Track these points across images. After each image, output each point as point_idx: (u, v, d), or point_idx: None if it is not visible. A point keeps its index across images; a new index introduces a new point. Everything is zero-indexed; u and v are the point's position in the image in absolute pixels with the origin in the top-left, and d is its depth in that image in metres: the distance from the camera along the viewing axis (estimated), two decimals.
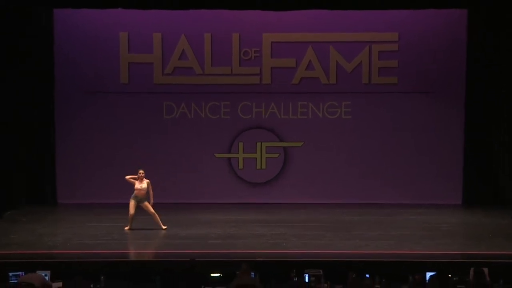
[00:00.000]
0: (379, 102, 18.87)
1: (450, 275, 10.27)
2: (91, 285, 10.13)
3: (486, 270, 10.22)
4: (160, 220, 14.93)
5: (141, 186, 14.82)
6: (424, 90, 18.76)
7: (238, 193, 18.92)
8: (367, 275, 10.52)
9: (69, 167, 18.83)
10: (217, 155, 19.04)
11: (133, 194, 14.88)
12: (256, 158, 19.08)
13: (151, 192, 14.86)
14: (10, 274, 10.46)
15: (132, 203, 14.83)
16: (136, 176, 15.01)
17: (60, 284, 10.32)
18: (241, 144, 19.04)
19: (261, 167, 19.08)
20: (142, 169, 15.10)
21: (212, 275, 10.82)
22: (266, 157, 19.06)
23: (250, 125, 19.04)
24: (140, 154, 18.79)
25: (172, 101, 18.92)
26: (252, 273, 10.40)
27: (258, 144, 19.02)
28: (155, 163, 18.85)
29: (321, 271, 10.69)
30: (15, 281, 10.19)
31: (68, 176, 18.84)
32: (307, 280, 10.49)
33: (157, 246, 13.09)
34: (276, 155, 19.07)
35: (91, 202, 18.43)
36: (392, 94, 18.80)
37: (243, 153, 19.07)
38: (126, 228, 14.78)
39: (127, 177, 15.03)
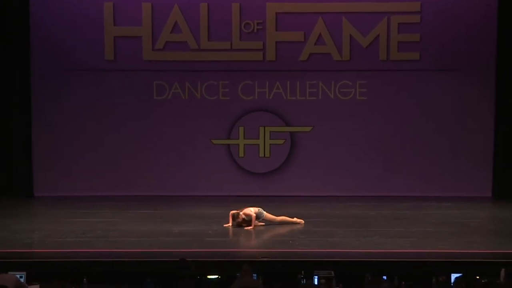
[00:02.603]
0: (398, 81, 18.86)
1: (478, 277, 10.28)
2: None
3: None
4: (149, 215, 14.93)
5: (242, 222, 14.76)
6: (449, 67, 18.73)
7: (239, 184, 18.93)
8: (385, 277, 10.54)
9: (47, 155, 18.84)
10: (214, 141, 19.05)
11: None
12: (258, 144, 19.09)
13: (253, 216, 14.68)
14: None
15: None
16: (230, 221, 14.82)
17: (37, 286, 10.33)
18: (241, 129, 19.04)
19: (264, 155, 19.09)
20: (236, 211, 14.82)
21: (209, 277, 10.84)
22: (270, 144, 19.06)
23: (252, 107, 19.03)
24: (128, 140, 18.84)
25: (163, 80, 18.91)
26: (255, 274, 10.42)
27: (261, 129, 19.03)
28: (144, 150, 18.88)
29: (332, 272, 10.70)
30: None
31: (46, 165, 18.85)
32: (316, 283, 10.50)
33: (147, 245, 13.11)
34: (282, 142, 19.08)
35: (72, 194, 18.46)
36: (414, 72, 18.78)
37: (244, 139, 19.07)
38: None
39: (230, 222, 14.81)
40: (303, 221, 15.00)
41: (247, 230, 14.42)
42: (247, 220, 14.72)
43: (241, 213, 14.73)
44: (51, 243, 13.25)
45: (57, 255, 12.31)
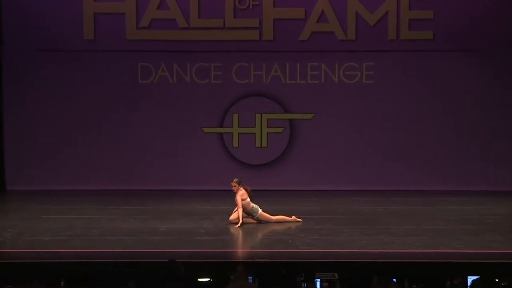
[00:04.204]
0: (409, 63, 18.87)
1: (497, 280, 10.31)
2: None
3: None
4: (133, 211, 14.91)
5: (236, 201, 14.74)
6: (466, 47, 18.74)
7: (232, 177, 18.88)
8: (394, 279, 10.56)
9: (20, 145, 18.83)
10: (205, 130, 19.05)
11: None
12: (255, 133, 19.10)
13: (239, 210, 14.53)
14: None
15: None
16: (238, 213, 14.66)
17: None
18: (236, 116, 19.05)
19: (261, 145, 19.11)
20: (236, 179, 14.80)
21: (200, 280, 10.86)
22: (267, 133, 19.08)
23: (248, 92, 19.04)
24: (109, 128, 18.83)
25: (149, 62, 18.90)
26: (250, 277, 10.43)
27: (258, 116, 19.04)
28: (128, 139, 18.87)
29: (336, 275, 10.72)
30: None
31: (19, 157, 18.84)
32: (318, 286, 10.52)
33: (131, 244, 13.13)
34: (280, 130, 19.09)
35: (48, 188, 18.46)
36: (426, 53, 18.80)
37: (239, 127, 19.09)
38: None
39: (241, 219, 14.57)
40: (301, 220, 14.98)
41: (237, 228, 14.38)
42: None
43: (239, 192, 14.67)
44: (25, 242, 13.26)
45: (32, 256, 12.32)
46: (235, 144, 19.13)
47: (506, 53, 18.66)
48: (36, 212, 15.94)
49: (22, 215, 15.74)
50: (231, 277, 10.16)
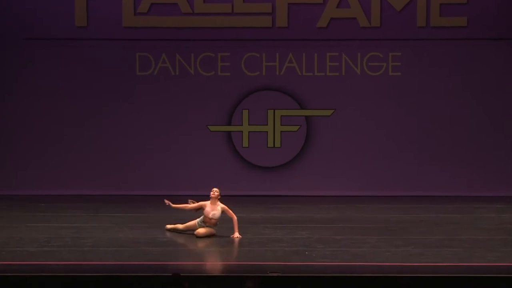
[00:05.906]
0: (440, 52, 18.83)
1: None
2: None
3: None
4: (129, 219, 14.89)
5: (213, 214, 14.59)
6: (504, 35, 18.69)
7: (242, 181, 18.93)
8: None
9: (1, 145, 18.83)
10: (212, 128, 19.03)
11: (200, 219, 14.59)
12: (267, 132, 19.08)
13: (235, 224, 14.33)
14: None
15: (192, 223, 14.56)
16: (185, 204, 14.65)
17: None
18: (246, 113, 19.03)
19: (274, 144, 19.09)
20: (217, 187, 14.58)
21: None
22: (281, 131, 19.05)
23: (259, 85, 19.02)
24: (103, 126, 18.84)
25: (148, 52, 18.91)
26: None
27: (270, 112, 19.02)
28: (125, 140, 18.86)
29: None
30: None
31: (0, 158, 18.85)
32: None
33: (129, 256, 13.10)
34: (296, 128, 19.06)
35: (33, 193, 18.47)
36: (459, 42, 18.78)
37: (249, 125, 19.06)
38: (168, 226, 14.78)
39: (175, 205, 14.62)
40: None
41: (236, 238, 14.30)
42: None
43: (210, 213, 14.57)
44: (8, 253, 13.23)
45: (16, 269, 12.30)
46: (245, 144, 19.12)
47: None
48: (20, 220, 15.91)
49: (4, 223, 15.72)
50: None
